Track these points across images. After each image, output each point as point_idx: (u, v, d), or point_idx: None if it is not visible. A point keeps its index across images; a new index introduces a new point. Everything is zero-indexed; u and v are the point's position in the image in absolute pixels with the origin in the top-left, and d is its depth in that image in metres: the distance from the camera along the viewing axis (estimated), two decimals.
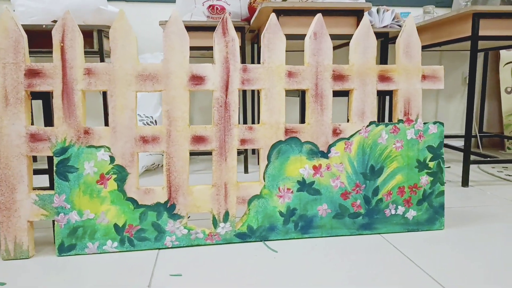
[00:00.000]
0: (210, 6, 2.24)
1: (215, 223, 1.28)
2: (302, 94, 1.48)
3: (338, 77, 1.32)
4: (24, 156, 1.16)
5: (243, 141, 1.28)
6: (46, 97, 1.24)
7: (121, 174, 1.22)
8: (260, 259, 1.18)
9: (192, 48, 2.16)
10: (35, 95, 1.19)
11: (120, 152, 1.21)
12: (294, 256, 1.19)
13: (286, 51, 2.45)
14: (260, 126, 1.29)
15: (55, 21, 2.23)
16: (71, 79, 1.17)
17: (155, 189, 1.24)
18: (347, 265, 1.13)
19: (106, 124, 2.30)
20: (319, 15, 1.31)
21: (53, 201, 1.19)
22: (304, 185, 1.32)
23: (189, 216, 1.45)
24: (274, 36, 1.28)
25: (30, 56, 2.49)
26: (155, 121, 2.38)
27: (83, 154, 1.19)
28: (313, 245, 1.27)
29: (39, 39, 2.19)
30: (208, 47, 2.18)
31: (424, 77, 1.38)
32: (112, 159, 1.21)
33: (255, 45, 2.67)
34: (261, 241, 1.31)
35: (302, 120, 1.48)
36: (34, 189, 1.22)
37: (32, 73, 1.15)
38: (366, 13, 1.83)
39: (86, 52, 2.21)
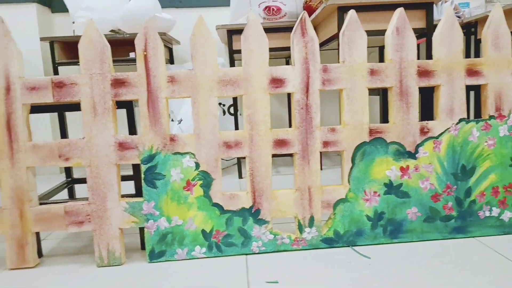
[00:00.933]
0: (266, 7, 2.22)
1: (300, 228, 1.25)
2: (383, 92, 1.42)
3: (423, 73, 1.25)
4: (114, 165, 1.18)
5: (325, 144, 1.24)
6: (129, 106, 1.26)
7: (206, 180, 1.21)
8: (355, 266, 1.13)
9: None
10: (118, 104, 1.22)
11: (204, 158, 1.21)
12: (389, 263, 1.14)
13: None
14: (343, 127, 1.25)
15: (113, 31, 2.29)
16: (155, 87, 1.18)
17: (240, 194, 1.23)
18: (448, 271, 1.06)
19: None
20: (401, 9, 1.25)
21: (142, 208, 1.20)
22: (391, 188, 1.26)
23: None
24: (354, 34, 1.23)
25: None
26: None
27: (170, 161, 1.20)
28: (406, 251, 1.21)
29: None
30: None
31: None
32: (197, 165, 1.21)
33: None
34: (348, 246, 1.26)
35: (384, 119, 1.42)
36: (122, 196, 1.24)
37: (117, 83, 1.18)
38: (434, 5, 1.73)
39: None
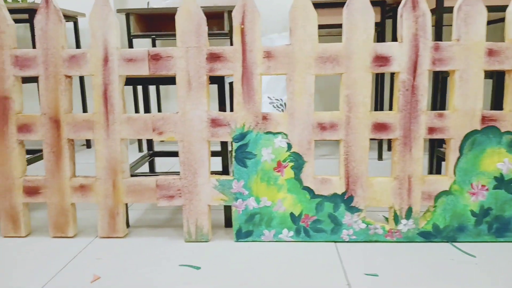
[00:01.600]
0: None
1: (396, 219, 1.16)
2: (497, 75, 1.26)
3: None
4: (206, 141, 1.16)
5: (431, 130, 1.13)
6: (221, 82, 1.21)
7: (298, 162, 1.15)
8: (459, 264, 1.03)
9: (327, 26, 2.03)
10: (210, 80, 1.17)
11: (297, 139, 1.14)
12: (497, 264, 1.03)
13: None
14: (452, 113, 1.12)
15: None
16: (250, 63, 1.12)
17: (332, 179, 1.16)
18: None
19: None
20: None
21: (232, 187, 1.17)
22: (502, 182, 1.14)
23: None
24: (473, 9, 1.09)
25: (164, 39, 2.56)
26: (284, 103, 2.31)
27: (261, 141, 1.15)
28: None
29: (173, 22, 2.25)
30: (336, 24, 2.03)
31: None
32: (289, 146, 1.15)
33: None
34: (447, 242, 1.16)
35: (496, 106, 1.27)
36: (211, 173, 1.21)
37: (213, 57, 1.13)
38: None
39: (216, 34, 2.19)
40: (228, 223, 1.29)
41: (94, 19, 1.12)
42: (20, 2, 2.20)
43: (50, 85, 1.15)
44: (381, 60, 1.12)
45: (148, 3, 2.30)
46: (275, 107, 2.25)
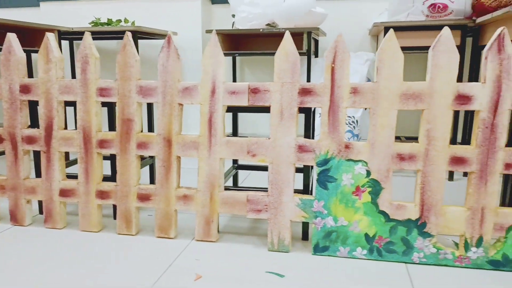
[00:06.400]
0: (431, 4, 2.09)
1: (466, 247, 1.24)
2: None
3: None
4: (292, 164, 1.30)
5: (508, 166, 1.19)
6: (308, 112, 1.35)
7: (376, 188, 1.27)
8: None
9: (407, 48, 2.08)
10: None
11: (376, 167, 1.26)
12: None
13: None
14: None
15: (268, 24, 2.38)
16: (338, 98, 1.25)
17: (407, 206, 1.26)
18: None
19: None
20: None
21: (313, 206, 1.31)
22: None
23: None
24: None
25: (240, 55, 2.74)
26: (356, 121, 2.39)
27: (342, 167, 1.28)
28: None
29: (253, 40, 2.46)
30: (424, 47, 2.07)
31: None
32: (368, 173, 1.26)
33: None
34: None
35: None
36: (294, 192, 1.36)
37: (304, 92, 1.27)
38: None
39: None
40: (305, 236, 1.43)
41: (207, 57, 1.31)
42: (124, 25, 2.50)
43: (166, 111, 1.35)
44: (463, 99, 1.19)
45: (233, 23, 2.48)
46: (346, 124, 2.35)
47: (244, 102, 1.30)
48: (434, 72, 1.19)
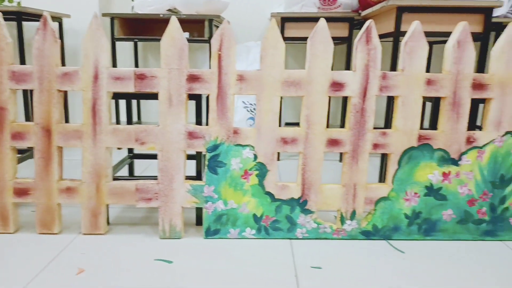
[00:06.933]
0: None
1: (342, 220, 1.38)
2: (435, 100, 1.48)
3: (477, 86, 1.31)
4: (182, 151, 1.31)
5: (375, 146, 1.34)
6: (198, 99, 1.37)
7: (262, 171, 1.34)
8: (390, 258, 1.26)
9: (300, 39, 2.21)
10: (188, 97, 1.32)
11: (262, 151, 1.32)
12: (421, 257, 1.27)
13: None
14: (394, 131, 1.33)
15: (170, 10, 2.35)
16: (225, 85, 1.28)
17: (290, 186, 1.35)
18: (472, 268, 1.19)
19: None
20: (464, 24, 1.29)
21: (203, 191, 1.34)
22: (431, 191, 1.37)
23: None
24: (417, 45, 1.29)
25: (144, 41, 2.67)
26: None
27: (231, 152, 1.32)
28: (437, 248, 1.33)
29: (155, 26, 2.37)
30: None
31: None
32: (255, 156, 1.33)
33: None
34: (384, 239, 1.39)
35: (433, 126, 1.49)
36: (186, 179, 1.37)
37: (192, 78, 1.28)
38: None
39: (197, 40, 2.34)
40: (199, 221, 1.46)
41: (87, 41, 1.24)
42: (9, 5, 2.26)
43: (43, 98, 1.26)
44: (337, 86, 1.30)
45: (132, 7, 2.38)
46: (248, 111, 2.42)
47: (130, 89, 1.27)
48: (312, 61, 1.28)
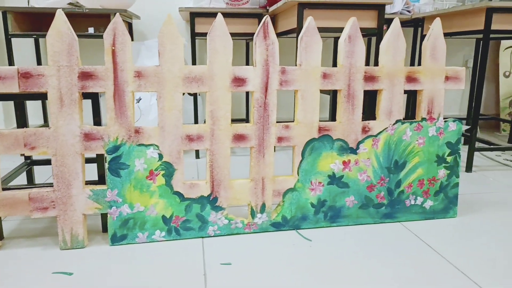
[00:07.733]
0: None
1: (253, 214, 1.39)
2: (333, 92, 1.56)
3: (369, 78, 1.40)
4: (79, 155, 1.23)
5: (280, 139, 1.37)
6: (95, 97, 1.29)
7: (169, 170, 1.30)
8: (298, 247, 1.30)
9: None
10: (84, 95, 1.24)
11: (167, 150, 1.29)
12: (327, 243, 1.32)
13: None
14: (296, 124, 1.38)
15: (70, 3, 2.22)
16: (122, 81, 1.23)
17: (199, 184, 1.33)
18: (374, 250, 1.26)
19: None
20: (354, 19, 1.37)
21: (106, 196, 1.27)
22: (334, 179, 1.43)
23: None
24: (311, 39, 1.34)
25: (44, 38, 2.48)
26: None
27: (134, 152, 1.27)
28: (342, 233, 1.40)
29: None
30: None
31: (447, 78, 1.47)
32: (160, 156, 1.29)
33: None
34: (293, 229, 1.43)
35: (333, 118, 1.57)
36: (86, 183, 1.29)
37: (85, 75, 1.21)
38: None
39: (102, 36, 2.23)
40: (105, 228, 1.38)
41: None
42: None
43: None
44: (239, 81, 1.31)
45: (28, 1, 2.20)
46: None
47: (14, 89, 1.16)
48: (212, 56, 1.28)
